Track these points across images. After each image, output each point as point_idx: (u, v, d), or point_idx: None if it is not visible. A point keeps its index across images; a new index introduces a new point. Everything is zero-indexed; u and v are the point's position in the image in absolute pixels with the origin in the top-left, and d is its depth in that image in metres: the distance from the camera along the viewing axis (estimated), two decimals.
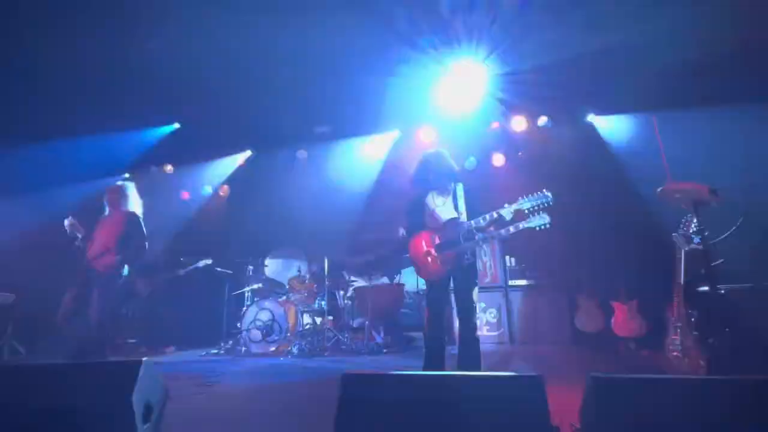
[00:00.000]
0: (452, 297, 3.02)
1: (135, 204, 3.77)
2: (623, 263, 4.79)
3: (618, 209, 4.66)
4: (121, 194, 3.71)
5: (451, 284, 2.97)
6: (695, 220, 2.63)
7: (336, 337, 5.00)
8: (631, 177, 4.35)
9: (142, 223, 3.66)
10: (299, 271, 5.77)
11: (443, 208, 2.97)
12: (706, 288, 2.65)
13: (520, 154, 5.82)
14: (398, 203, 3.22)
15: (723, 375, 1.57)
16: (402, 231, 3.12)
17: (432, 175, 3.01)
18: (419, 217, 3.03)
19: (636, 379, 1.48)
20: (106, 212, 3.71)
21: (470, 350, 2.80)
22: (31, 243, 5.19)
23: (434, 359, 2.85)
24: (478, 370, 2.74)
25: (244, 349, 4.99)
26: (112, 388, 1.74)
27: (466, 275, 2.88)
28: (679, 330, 2.92)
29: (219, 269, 6.16)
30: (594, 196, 4.90)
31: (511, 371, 1.55)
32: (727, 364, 2.47)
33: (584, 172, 5.02)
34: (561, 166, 5.09)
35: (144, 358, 1.86)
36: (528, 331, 5.07)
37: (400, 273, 6.26)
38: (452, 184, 3.01)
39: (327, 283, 5.15)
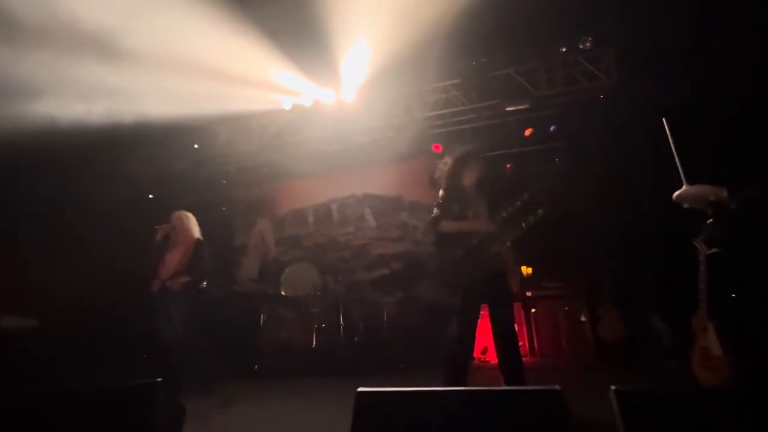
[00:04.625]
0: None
1: (196, 230, 4.19)
2: (647, 271, 4.65)
3: (639, 216, 4.56)
4: (186, 221, 4.14)
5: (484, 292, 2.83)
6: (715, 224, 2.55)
7: (351, 354, 4.95)
8: (651, 181, 4.26)
9: (206, 249, 4.14)
10: (314, 288, 5.77)
11: (474, 212, 2.92)
12: (730, 295, 2.56)
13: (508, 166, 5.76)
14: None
15: (752, 385, 1.50)
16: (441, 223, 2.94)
17: (466, 174, 2.97)
18: (453, 209, 2.93)
19: (662, 391, 1.42)
20: (174, 237, 4.10)
21: (512, 360, 2.68)
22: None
23: (456, 374, 2.72)
24: (523, 382, 2.61)
25: (257, 365, 4.95)
26: (130, 410, 1.74)
27: (501, 281, 2.80)
28: (705, 339, 2.81)
29: (235, 287, 6.21)
30: (613, 203, 4.82)
31: (532, 385, 1.50)
32: (756, 374, 2.36)
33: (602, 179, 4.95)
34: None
35: (160, 379, 1.87)
36: (548, 342, 4.96)
37: (414, 286, 6.21)
38: (484, 187, 2.98)
39: (341, 299, 5.14)
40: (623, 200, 4.70)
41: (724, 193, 2.38)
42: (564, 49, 4.92)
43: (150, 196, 6.88)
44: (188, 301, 3.89)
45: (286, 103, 5.74)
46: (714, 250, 2.55)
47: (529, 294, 5.20)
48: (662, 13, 3.86)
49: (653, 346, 4.22)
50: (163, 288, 3.86)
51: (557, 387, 1.40)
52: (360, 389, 1.52)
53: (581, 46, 4.79)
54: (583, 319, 4.89)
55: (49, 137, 4.37)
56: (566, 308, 4.97)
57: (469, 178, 2.98)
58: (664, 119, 2.64)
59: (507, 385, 2.64)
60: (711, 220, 2.59)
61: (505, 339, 2.77)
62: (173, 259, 3.98)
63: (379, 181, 6.81)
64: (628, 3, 4.04)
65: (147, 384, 1.85)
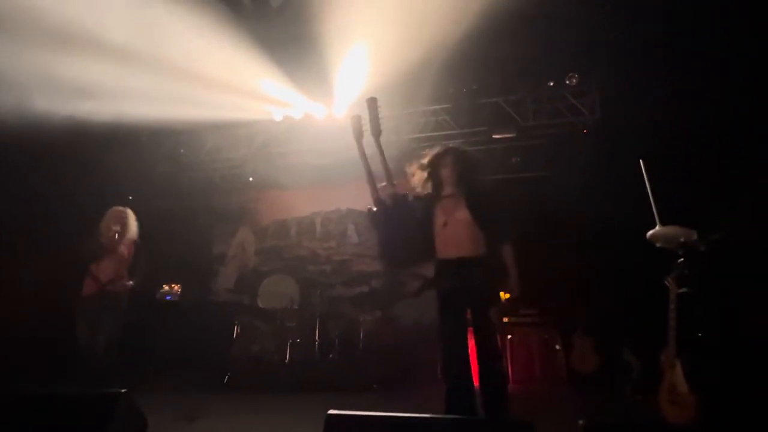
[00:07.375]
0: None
1: (135, 231, 3.88)
2: (620, 304, 4.74)
3: (615, 250, 4.67)
4: (126, 221, 3.82)
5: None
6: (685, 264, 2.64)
7: (325, 371, 4.87)
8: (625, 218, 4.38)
9: (147, 251, 3.87)
10: (291, 301, 5.70)
11: (457, 215, 2.62)
12: (698, 334, 2.63)
13: None
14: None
15: (715, 422, 1.54)
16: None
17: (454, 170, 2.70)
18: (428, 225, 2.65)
19: (628, 426, 1.44)
20: (113, 238, 3.72)
21: (491, 383, 2.38)
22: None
23: (458, 401, 2.38)
24: (503, 411, 2.28)
25: (227, 377, 4.81)
26: (89, 421, 1.68)
27: (481, 291, 2.48)
28: (672, 375, 2.87)
29: (210, 297, 6.09)
30: (590, 236, 4.93)
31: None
32: (720, 411, 2.42)
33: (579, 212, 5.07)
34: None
35: (123, 390, 1.81)
36: (521, 370, 4.97)
37: (393, 306, 6.19)
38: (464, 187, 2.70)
39: (318, 315, 5.08)
40: (600, 233, 4.82)
41: (694, 236, 2.48)
42: (551, 83, 5.10)
43: (130, 197, 6.75)
44: (126, 306, 3.61)
45: (277, 114, 5.75)
46: (684, 289, 2.63)
47: (505, 320, 5.22)
48: (647, 58, 4.05)
49: (623, 378, 4.28)
50: (99, 292, 3.53)
51: (529, 420, 1.42)
52: (330, 412, 1.51)
53: (568, 82, 4.97)
54: (557, 348, 4.93)
55: (28, 133, 4.25)
56: (545, 336, 5.01)
57: (447, 172, 2.72)
58: (641, 161, 2.74)
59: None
60: (682, 259, 2.69)
61: (483, 355, 2.45)
62: (112, 260, 3.64)
63: (364, 198, 6.80)
64: (616, 47, 4.22)
65: (108, 394, 1.79)
